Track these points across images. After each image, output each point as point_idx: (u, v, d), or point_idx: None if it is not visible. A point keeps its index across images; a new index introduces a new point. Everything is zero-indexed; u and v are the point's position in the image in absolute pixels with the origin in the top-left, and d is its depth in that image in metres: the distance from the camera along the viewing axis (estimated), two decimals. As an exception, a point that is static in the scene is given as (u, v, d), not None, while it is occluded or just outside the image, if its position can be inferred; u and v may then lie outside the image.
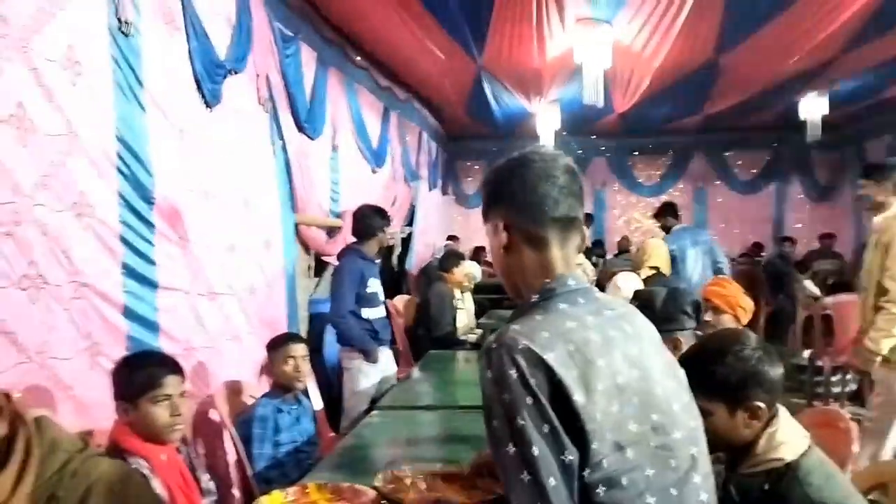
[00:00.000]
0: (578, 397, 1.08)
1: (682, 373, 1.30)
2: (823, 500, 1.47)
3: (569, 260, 1.30)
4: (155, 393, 1.99)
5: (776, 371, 1.63)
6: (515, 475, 1.07)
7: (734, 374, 1.61)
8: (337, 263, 4.20)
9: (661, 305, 2.46)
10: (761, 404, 1.59)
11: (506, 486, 1.10)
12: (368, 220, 4.05)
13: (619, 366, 1.16)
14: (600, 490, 1.07)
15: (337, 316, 3.90)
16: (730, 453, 1.65)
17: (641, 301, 2.54)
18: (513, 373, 1.09)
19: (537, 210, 1.27)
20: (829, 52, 6.31)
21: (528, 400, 1.08)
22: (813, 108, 8.01)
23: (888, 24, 5.53)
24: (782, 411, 1.65)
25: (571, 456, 1.07)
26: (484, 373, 1.14)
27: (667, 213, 6.09)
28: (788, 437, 1.58)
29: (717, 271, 5.51)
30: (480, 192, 1.39)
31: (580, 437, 1.08)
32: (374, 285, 4.03)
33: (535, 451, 1.06)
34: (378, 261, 4.14)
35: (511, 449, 1.07)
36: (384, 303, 4.24)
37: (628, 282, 4.27)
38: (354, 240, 4.15)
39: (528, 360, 1.09)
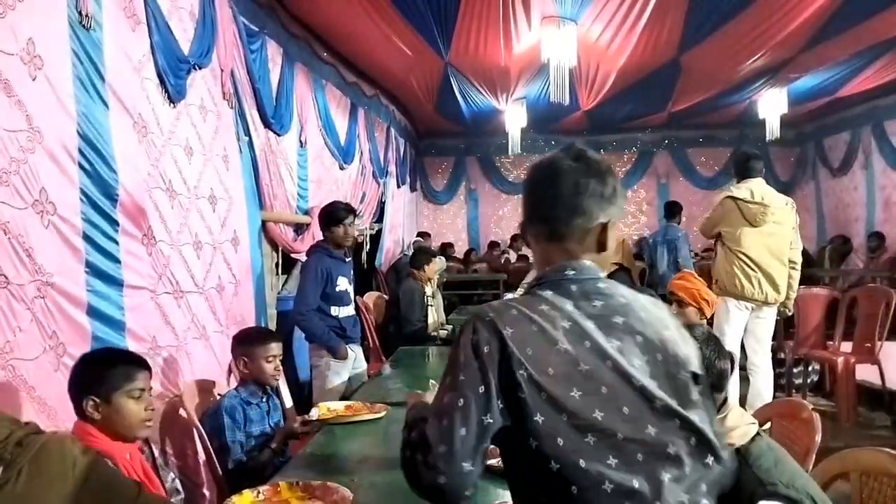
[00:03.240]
0: (523, 371, 1.16)
1: (683, 372, 1.25)
2: (772, 481, 1.53)
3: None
4: (131, 387, 1.96)
5: (717, 364, 1.70)
6: (438, 417, 1.18)
7: None
8: (304, 260, 4.16)
9: None
10: None
11: (427, 425, 1.19)
12: (329, 215, 4.00)
13: (585, 355, 1.19)
14: (553, 465, 1.14)
15: (298, 313, 3.86)
16: None
17: None
18: (472, 337, 1.21)
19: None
20: (789, 50, 6.45)
21: (475, 363, 1.18)
22: (772, 105, 8.19)
23: (846, 22, 5.67)
24: (731, 402, 1.72)
25: (491, 420, 1.16)
26: (457, 334, 1.26)
27: (673, 211, 7.37)
28: (737, 424, 1.65)
29: (675, 264, 6.41)
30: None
31: (519, 409, 1.16)
32: (344, 283, 3.98)
33: (461, 401, 1.17)
34: (349, 258, 4.09)
35: (445, 397, 1.20)
36: (354, 301, 4.21)
37: None
38: (322, 237, 4.12)
39: (488, 329, 1.20)
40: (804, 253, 9.34)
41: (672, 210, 7.37)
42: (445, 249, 10.46)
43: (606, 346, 1.20)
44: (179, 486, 2.47)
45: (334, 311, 3.93)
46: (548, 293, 1.27)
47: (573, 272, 1.29)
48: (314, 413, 2.83)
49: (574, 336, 1.20)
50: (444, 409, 1.18)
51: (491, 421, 1.16)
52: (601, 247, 1.33)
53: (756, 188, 4.50)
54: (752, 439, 1.63)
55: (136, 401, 1.97)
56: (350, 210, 4.01)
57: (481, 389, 1.16)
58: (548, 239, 1.34)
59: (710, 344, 1.73)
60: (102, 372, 1.95)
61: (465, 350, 1.20)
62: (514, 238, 11.10)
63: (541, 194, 1.36)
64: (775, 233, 4.49)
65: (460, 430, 1.15)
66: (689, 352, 1.28)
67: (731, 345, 4.46)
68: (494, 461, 2.14)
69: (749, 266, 4.43)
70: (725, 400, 1.70)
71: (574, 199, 1.30)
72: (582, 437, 1.14)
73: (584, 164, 1.33)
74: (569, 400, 1.15)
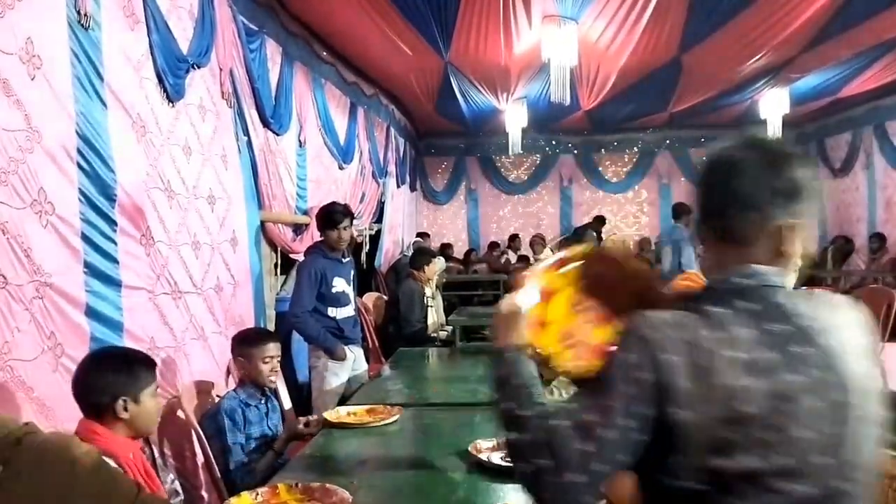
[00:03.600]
0: (674, 409, 1.04)
1: (870, 424, 1.09)
2: None
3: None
4: (154, 385, 2.05)
5: None
6: (578, 434, 1.05)
7: None
8: (301, 260, 4.13)
9: None
10: None
11: (554, 433, 1.07)
12: (325, 217, 3.93)
13: (753, 394, 1.03)
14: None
15: (293, 315, 3.84)
16: None
17: None
18: (626, 356, 1.07)
19: None
20: (790, 50, 6.44)
21: (625, 388, 1.05)
22: (774, 106, 8.18)
23: (847, 22, 5.66)
24: None
25: (627, 458, 1.06)
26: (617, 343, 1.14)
27: (679, 212, 7.23)
28: None
29: (679, 266, 6.47)
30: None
31: (661, 445, 1.05)
32: (341, 285, 3.94)
33: (606, 433, 1.05)
34: (348, 259, 4.06)
35: (591, 414, 1.06)
36: (354, 301, 4.18)
37: None
38: (320, 238, 4.09)
39: (643, 351, 1.06)
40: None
41: (678, 211, 7.22)
42: (445, 250, 10.46)
43: (778, 384, 1.04)
44: (179, 488, 2.45)
45: (331, 311, 3.91)
46: (716, 310, 1.09)
47: (745, 280, 1.12)
48: (330, 415, 2.81)
49: (741, 371, 1.04)
50: (587, 430, 1.05)
51: (626, 459, 1.06)
52: (779, 252, 1.13)
53: None
54: None
55: (156, 398, 2.07)
56: (347, 213, 3.94)
57: (627, 423, 1.05)
58: (719, 239, 1.18)
59: None
60: (133, 373, 2.01)
61: (618, 369, 1.07)
62: (512, 238, 11.10)
63: (709, 187, 1.20)
64: None
65: (599, 465, 1.04)
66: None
67: None
68: (497, 460, 2.13)
69: None
70: None
71: (742, 193, 1.13)
72: (724, 482, 1.04)
73: (757, 153, 1.16)
74: (721, 442, 1.03)
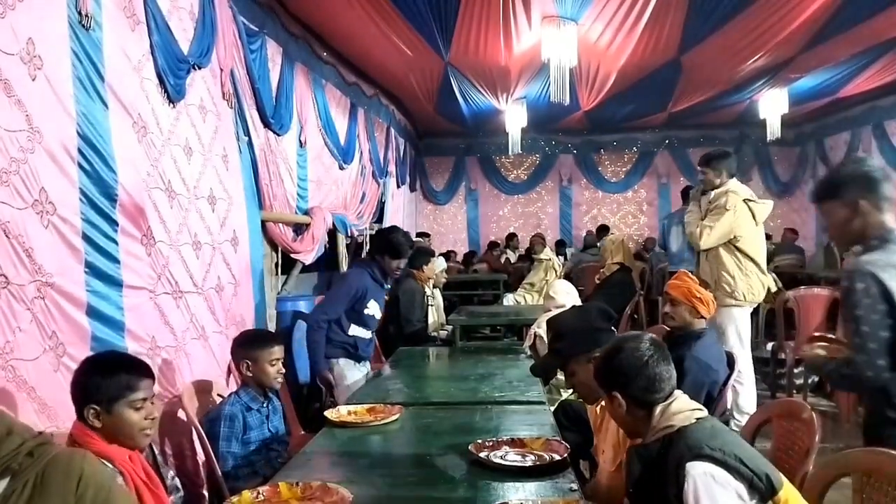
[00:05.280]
0: None
1: None
2: (700, 446, 1.61)
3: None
4: (132, 398, 1.93)
5: (653, 370, 1.78)
6: (853, 341, 2.02)
7: (608, 370, 1.87)
8: (346, 270, 4.16)
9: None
10: (618, 395, 1.80)
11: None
12: (392, 246, 3.97)
13: None
14: None
15: (316, 321, 3.89)
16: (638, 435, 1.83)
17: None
18: (859, 285, 2.01)
19: None
20: (789, 50, 6.45)
21: (866, 300, 1.99)
22: (773, 105, 8.19)
23: (847, 23, 5.67)
24: (678, 393, 1.82)
25: (888, 334, 1.97)
26: (844, 284, 2.07)
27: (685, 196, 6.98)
28: (681, 409, 1.74)
29: (689, 245, 6.32)
30: None
31: None
32: (373, 308, 4.01)
33: (865, 328, 1.99)
34: (388, 286, 4.08)
35: (853, 326, 2.01)
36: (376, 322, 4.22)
37: (561, 287, 4.42)
38: (371, 257, 4.15)
39: (870, 277, 2.00)
40: (802, 254, 9.40)
41: (689, 195, 7.24)
42: (448, 255, 10.50)
43: None
44: (178, 484, 2.46)
45: (352, 330, 3.95)
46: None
47: None
48: (331, 414, 2.81)
49: None
50: (856, 335, 2.03)
51: (887, 335, 1.98)
52: None
53: (748, 187, 4.51)
54: (697, 421, 1.71)
55: (137, 411, 1.95)
56: (410, 248, 4.05)
57: (874, 316, 2.00)
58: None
59: (657, 351, 1.81)
60: (105, 381, 1.91)
61: (856, 294, 2.02)
62: (509, 237, 11.11)
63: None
64: (762, 231, 4.51)
65: (871, 345, 1.99)
66: None
67: (747, 348, 4.51)
68: (497, 460, 2.14)
69: (761, 270, 4.35)
70: (673, 390, 1.80)
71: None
72: None
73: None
74: None
